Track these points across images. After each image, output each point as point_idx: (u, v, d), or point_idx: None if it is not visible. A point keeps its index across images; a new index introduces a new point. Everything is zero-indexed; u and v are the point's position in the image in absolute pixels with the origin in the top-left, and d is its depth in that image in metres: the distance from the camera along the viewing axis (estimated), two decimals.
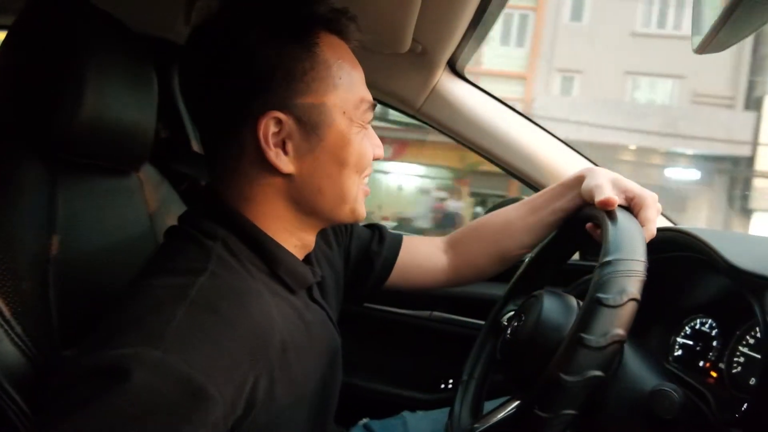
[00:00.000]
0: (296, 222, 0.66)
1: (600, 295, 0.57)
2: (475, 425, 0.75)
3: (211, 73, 0.61)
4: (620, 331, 0.55)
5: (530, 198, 0.90)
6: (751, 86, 11.38)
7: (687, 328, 0.80)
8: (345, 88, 0.63)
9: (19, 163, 0.65)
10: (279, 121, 0.59)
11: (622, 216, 0.67)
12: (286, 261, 0.65)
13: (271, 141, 0.60)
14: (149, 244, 0.86)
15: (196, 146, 1.36)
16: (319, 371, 0.69)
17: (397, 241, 0.93)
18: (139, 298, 0.53)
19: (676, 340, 0.80)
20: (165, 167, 1.03)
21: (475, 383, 0.85)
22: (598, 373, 0.55)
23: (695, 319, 0.79)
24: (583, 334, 0.55)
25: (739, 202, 10.42)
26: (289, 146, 0.61)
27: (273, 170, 0.61)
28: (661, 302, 0.77)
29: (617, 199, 0.69)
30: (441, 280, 0.94)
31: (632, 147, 11.08)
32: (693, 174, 11.28)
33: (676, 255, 0.78)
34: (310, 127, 0.61)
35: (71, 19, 0.69)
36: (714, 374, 0.72)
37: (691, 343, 0.78)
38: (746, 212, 10.27)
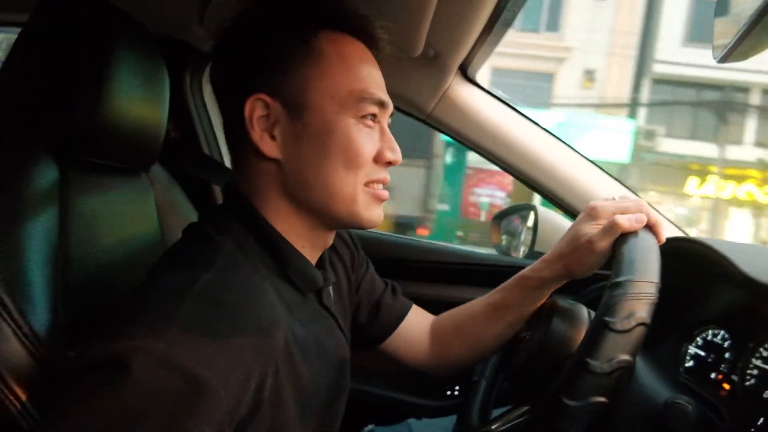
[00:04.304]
0: (298, 219, 0.65)
1: (607, 318, 0.55)
2: (483, 430, 0.74)
3: (222, 57, 0.66)
4: (626, 357, 0.54)
5: (504, 297, 0.84)
6: None
7: (699, 339, 0.79)
8: (339, 76, 0.62)
9: (31, 162, 0.64)
10: (267, 105, 0.61)
11: (637, 234, 0.66)
12: (295, 261, 0.64)
13: (257, 124, 0.61)
14: (158, 245, 0.85)
15: (205, 148, 1.36)
16: (327, 379, 0.68)
17: (408, 305, 0.92)
18: (144, 293, 0.53)
19: (687, 351, 0.79)
20: (175, 169, 1.03)
21: (485, 384, 0.84)
22: (601, 399, 0.54)
23: (707, 330, 0.78)
24: (588, 359, 0.54)
25: None
26: (277, 130, 0.62)
27: (262, 155, 0.62)
28: (672, 312, 0.76)
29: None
30: (419, 363, 0.92)
31: None
32: None
33: (689, 265, 0.77)
34: (295, 111, 0.61)
35: (87, 17, 0.69)
36: (727, 386, 0.71)
37: (702, 354, 0.77)
38: None
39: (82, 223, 0.69)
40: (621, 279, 0.58)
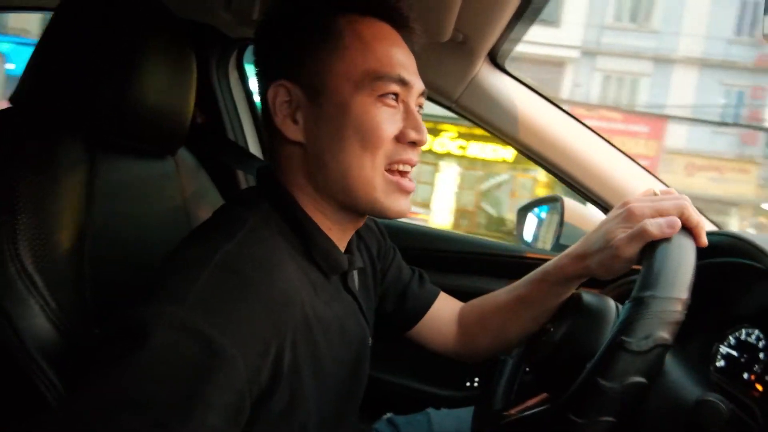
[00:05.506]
0: (324, 202, 0.65)
1: (624, 337, 0.52)
2: (504, 413, 0.74)
3: (255, 48, 0.69)
4: (640, 380, 0.52)
5: (527, 291, 0.81)
6: None
7: (731, 337, 0.76)
8: (355, 57, 0.61)
9: (59, 143, 0.65)
10: (288, 91, 0.63)
11: (670, 241, 0.60)
12: (320, 242, 0.64)
13: (279, 109, 0.63)
14: (183, 226, 0.86)
15: (230, 134, 1.36)
16: (347, 361, 0.68)
17: (435, 292, 0.91)
18: (167, 265, 0.54)
19: (718, 350, 0.77)
20: (200, 154, 1.04)
21: (510, 364, 0.84)
22: (609, 418, 0.52)
23: (740, 328, 0.75)
24: (599, 379, 0.52)
25: None
26: (298, 114, 0.63)
27: (287, 139, 0.63)
28: (705, 309, 0.73)
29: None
30: (445, 351, 0.91)
31: None
32: None
33: (726, 261, 0.74)
34: (314, 95, 0.62)
35: (117, 1, 0.70)
36: (760, 387, 0.68)
37: (735, 353, 0.74)
38: None
39: (108, 203, 0.70)
40: (644, 294, 0.54)
